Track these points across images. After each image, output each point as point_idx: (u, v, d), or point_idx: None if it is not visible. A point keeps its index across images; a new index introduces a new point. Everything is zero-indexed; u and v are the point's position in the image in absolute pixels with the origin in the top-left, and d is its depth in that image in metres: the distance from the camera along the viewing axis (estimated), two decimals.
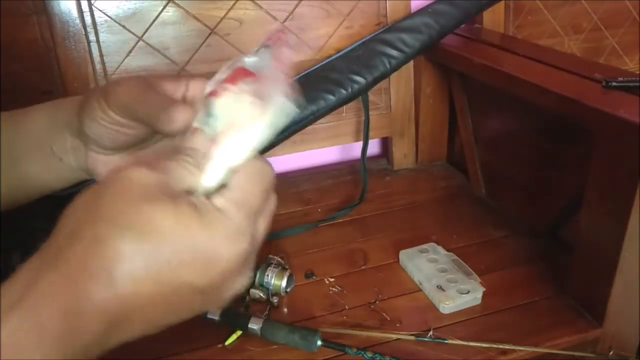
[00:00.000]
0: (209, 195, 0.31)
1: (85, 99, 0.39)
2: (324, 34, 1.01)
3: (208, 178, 0.33)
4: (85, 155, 0.42)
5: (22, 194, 0.46)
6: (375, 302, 0.74)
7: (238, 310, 0.70)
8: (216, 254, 0.29)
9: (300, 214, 0.99)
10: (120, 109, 0.37)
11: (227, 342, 0.67)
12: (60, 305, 0.25)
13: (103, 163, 0.42)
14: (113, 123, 0.38)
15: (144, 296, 0.27)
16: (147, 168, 0.30)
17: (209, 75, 0.40)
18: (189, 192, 0.31)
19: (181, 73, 0.35)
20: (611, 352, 0.67)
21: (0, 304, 0.25)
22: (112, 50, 0.90)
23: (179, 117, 0.35)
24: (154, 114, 0.35)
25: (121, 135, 0.39)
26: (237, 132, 0.35)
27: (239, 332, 0.68)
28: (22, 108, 0.45)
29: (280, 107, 0.36)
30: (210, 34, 0.94)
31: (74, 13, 0.86)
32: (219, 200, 0.30)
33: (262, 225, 0.35)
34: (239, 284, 0.32)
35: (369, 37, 0.99)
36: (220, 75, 0.39)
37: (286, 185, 1.09)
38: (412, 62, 1.03)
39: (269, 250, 0.81)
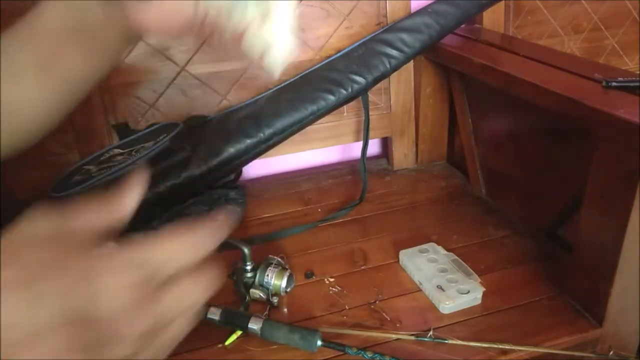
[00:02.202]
0: None
1: None
2: (324, 34, 1.01)
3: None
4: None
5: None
6: (375, 302, 0.74)
7: (238, 310, 0.70)
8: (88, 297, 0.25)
9: (300, 214, 0.99)
10: None
11: (227, 342, 0.67)
12: None
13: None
14: None
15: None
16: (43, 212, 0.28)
17: None
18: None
19: None
20: (611, 352, 0.67)
21: None
22: None
23: None
24: None
25: None
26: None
27: (239, 332, 0.68)
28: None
29: None
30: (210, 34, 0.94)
31: None
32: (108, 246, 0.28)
33: None
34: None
35: (369, 37, 0.99)
36: None
37: (286, 185, 1.09)
38: (412, 62, 1.03)
39: (269, 250, 0.81)
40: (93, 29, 0.43)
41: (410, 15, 0.98)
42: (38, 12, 0.44)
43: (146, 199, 0.89)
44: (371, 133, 1.05)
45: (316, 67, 0.98)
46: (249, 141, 0.89)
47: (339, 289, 0.77)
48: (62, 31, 0.43)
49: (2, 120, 0.44)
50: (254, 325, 0.65)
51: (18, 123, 0.46)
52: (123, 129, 0.93)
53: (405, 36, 0.96)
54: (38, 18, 0.44)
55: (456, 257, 0.80)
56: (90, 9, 0.42)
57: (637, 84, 0.68)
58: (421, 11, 0.98)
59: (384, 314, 0.72)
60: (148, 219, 0.87)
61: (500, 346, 0.65)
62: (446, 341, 0.65)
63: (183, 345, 0.68)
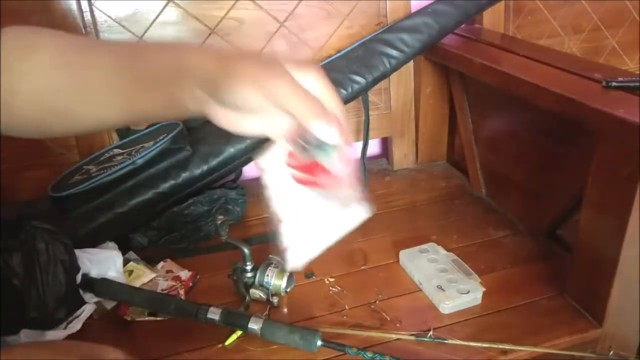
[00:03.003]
0: None
1: (231, 75, 0.40)
2: (324, 34, 1.01)
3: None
4: (207, 105, 0.42)
5: (123, 121, 0.48)
6: (375, 302, 0.74)
7: (238, 310, 0.70)
8: None
9: None
10: (275, 105, 0.39)
11: (227, 342, 0.67)
12: None
13: (224, 116, 0.43)
14: (258, 106, 0.40)
15: None
16: None
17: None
18: None
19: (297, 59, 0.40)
20: (611, 352, 0.67)
21: None
22: None
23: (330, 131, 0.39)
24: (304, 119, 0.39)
25: (258, 110, 0.41)
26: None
27: (239, 332, 0.68)
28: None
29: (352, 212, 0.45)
30: (210, 34, 0.94)
31: (74, 13, 0.86)
32: None
33: None
34: None
35: (369, 37, 0.99)
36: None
37: None
38: (412, 62, 1.03)
39: (268, 250, 0.81)
40: (180, 98, 0.43)
41: (410, 15, 0.98)
42: (144, 50, 0.45)
43: (146, 199, 0.90)
44: (371, 133, 1.05)
45: None
46: (249, 141, 0.89)
47: (339, 289, 0.77)
48: (152, 80, 0.44)
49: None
50: (254, 325, 0.65)
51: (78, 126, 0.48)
52: (123, 129, 0.93)
53: (405, 36, 0.96)
54: (141, 57, 0.44)
55: (456, 257, 0.80)
56: (186, 88, 0.42)
57: (637, 84, 0.68)
58: (421, 11, 0.98)
59: (384, 314, 0.72)
60: (148, 219, 0.87)
61: (500, 346, 0.65)
62: (446, 341, 0.65)
63: (183, 345, 0.69)
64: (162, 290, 0.76)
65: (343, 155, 0.42)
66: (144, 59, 0.44)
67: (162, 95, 0.43)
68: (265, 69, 0.39)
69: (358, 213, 0.49)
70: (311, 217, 0.46)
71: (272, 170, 0.45)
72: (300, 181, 0.44)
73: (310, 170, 0.43)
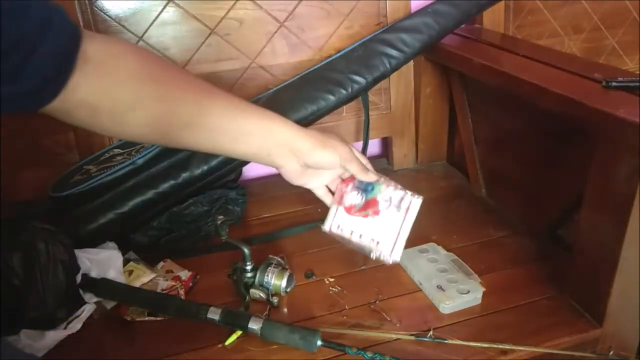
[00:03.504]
0: None
1: (306, 138, 0.60)
2: (324, 34, 1.01)
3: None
4: (288, 163, 0.61)
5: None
6: (375, 302, 0.74)
7: (238, 310, 0.70)
8: None
9: (300, 214, 0.99)
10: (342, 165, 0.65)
11: (227, 342, 0.67)
12: None
13: (296, 173, 0.63)
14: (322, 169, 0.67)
15: None
16: None
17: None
18: None
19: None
20: (611, 352, 0.67)
21: None
22: None
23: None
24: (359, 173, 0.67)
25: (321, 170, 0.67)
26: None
27: (239, 332, 0.68)
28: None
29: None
30: (210, 34, 0.94)
31: (74, 13, 0.86)
32: None
33: None
34: None
35: (369, 37, 0.99)
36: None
37: (286, 185, 1.09)
38: (412, 62, 1.03)
39: (269, 251, 0.81)
40: (274, 154, 0.60)
41: (410, 15, 0.98)
42: (275, 124, 0.59)
43: (147, 199, 0.90)
44: (371, 133, 1.05)
45: (316, 67, 0.98)
46: None
47: (339, 289, 0.77)
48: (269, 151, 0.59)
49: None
50: (254, 325, 0.65)
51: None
52: None
53: (405, 36, 0.96)
54: (270, 132, 0.58)
55: (456, 257, 0.80)
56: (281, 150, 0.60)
57: (637, 84, 0.68)
58: (421, 11, 0.98)
59: (384, 314, 0.72)
60: (148, 219, 0.87)
61: (500, 346, 0.65)
62: (446, 341, 0.65)
63: (183, 345, 0.69)
64: (162, 290, 0.76)
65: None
66: (247, 123, 0.57)
67: (254, 145, 0.57)
68: (341, 143, 0.63)
69: (414, 202, 0.68)
70: (388, 226, 0.68)
71: (339, 225, 0.69)
72: (365, 216, 0.69)
73: (368, 206, 0.69)
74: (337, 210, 0.70)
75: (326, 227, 0.70)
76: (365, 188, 0.69)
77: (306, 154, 0.60)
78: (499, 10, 1.09)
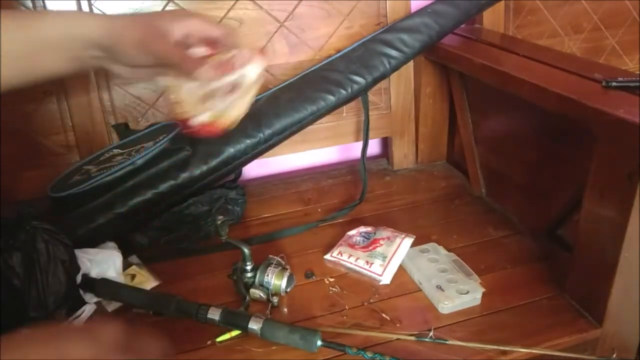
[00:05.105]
0: None
1: (119, 39, 0.51)
2: (324, 34, 1.01)
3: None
4: (108, 63, 0.54)
5: (32, 81, 0.54)
6: (375, 302, 0.74)
7: (238, 310, 0.70)
8: None
9: (300, 214, 0.99)
10: (156, 59, 0.53)
11: (219, 339, 0.67)
12: None
13: (127, 72, 0.54)
14: (146, 62, 0.53)
15: None
16: None
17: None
18: None
19: (177, 12, 0.63)
20: (614, 355, 0.67)
21: None
22: None
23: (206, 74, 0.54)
24: (185, 67, 0.53)
25: (148, 64, 0.54)
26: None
27: (233, 333, 0.67)
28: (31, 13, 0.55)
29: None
30: None
31: None
32: None
33: None
34: None
35: (369, 37, 0.99)
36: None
37: (286, 185, 1.09)
38: (412, 62, 1.03)
39: (269, 250, 0.81)
40: (80, 58, 0.53)
41: (410, 16, 0.98)
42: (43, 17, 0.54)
43: (146, 199, 0.90)
44: (371, 133, 1.05)
45: (316, 67, 0.98)
46: (248, 141, 0.89)
47: (339, 289, 0.77)
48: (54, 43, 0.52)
49: None
50: (254, 325, 0.65)
51: None
52: (123, 129, 0.93)
53: (405, 36, 0.96)
54: (39, 19, 0.53)
55: (457, 257, 0.80)
56: (85, 50, 0.52)
57: (637, 84, 0.68)
58: (421, 11, 0.98)
59: (383, 314, 0.72)
60: (148, 219, 0.87)
61: (500, 347, 0.65)
62: (447, 342, 0.65)
63: (183, 345, 0.69)
64: None
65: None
66: (44, 27, 0.51)
67: (63, 54, 0.52)
68: (147, 33, 0.52)
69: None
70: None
71: None
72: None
73: None
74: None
75: None
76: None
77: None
78: (499, 10, 1.09)
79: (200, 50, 0.56)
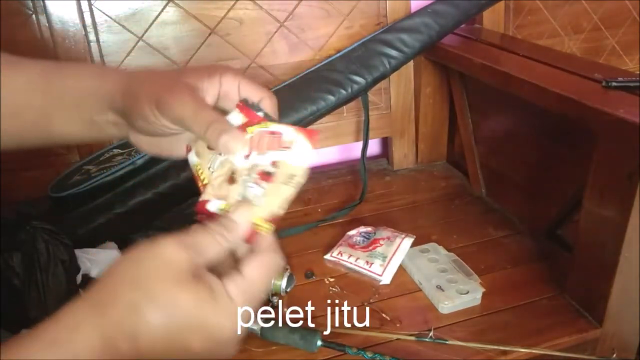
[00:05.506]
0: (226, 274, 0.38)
1: (133, 97, 0.41)
2: (324, 34, 1.01)
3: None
4: (127, 131, 0.44)
5: (46, 142, 0.48)
6: (375, 302, 0.74)
7: None
8: (219, 333, 0.38)
9: (300, 214, 0.98)
10: (173, 120, 0.40)
11: None
12: (95, 349, 0.34)
13: (147, 142, 0.45)
14: (163, 126, 0.41)
15: (156, 352, 0.35)
16: (180, 246, 0.38)
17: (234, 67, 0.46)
18: (212, 264, 0.38)
19: (210, 66, 0.42)
20: (614, 355, 0.67)
21: (45, 338, 0.36)
22: (112, 50, 0.90)
23: (231, 146, 0.39)
24: (206, 134, 0.39)
25: (168, 131, 0.42)
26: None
27: None
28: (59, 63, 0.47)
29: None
30: (210, 34, 0.94)
31: (74, 13, 0.86)
32: (231, 287, 0.37)
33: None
34: (231, 349, 0.41)
35: (369, 37, 0.99)
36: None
37: None
38: (412, 62, 1.03)
39: None
40: (98, 122, 0.45)
41: (410, 16, 0.98)
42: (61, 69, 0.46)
43: (146, 199, 0.90)
44: (371, 133, 1.05)
45: (316, 67, 0.98)
46: None
47: (339, 289, 0.77)
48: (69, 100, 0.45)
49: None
50: (254, 325, 0.65)
51: None
52: None
53: (405, 36, 0.96)
54: (58, 76, 0.46)
55: (457, 257, 0.80)
56: (102, 113, 0.44)
57: (637, 84, 0.68)
58: (421, 11, 0.98)
59: (383, 314, 0.72)
60: (148, 219, 0.87)
61: (500, 347, 0.65)
62: (447, 342, 0.65)
63: None
64: None
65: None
66: (61, 79, 0.45)
67: (78, 116, 0.44)
68: (168, 89, 0.39)
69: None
70: None
71: None
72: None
73: None
74: None
75: None
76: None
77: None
78: (499, 10, 1.09)
79: (237, 117, 0.43)
